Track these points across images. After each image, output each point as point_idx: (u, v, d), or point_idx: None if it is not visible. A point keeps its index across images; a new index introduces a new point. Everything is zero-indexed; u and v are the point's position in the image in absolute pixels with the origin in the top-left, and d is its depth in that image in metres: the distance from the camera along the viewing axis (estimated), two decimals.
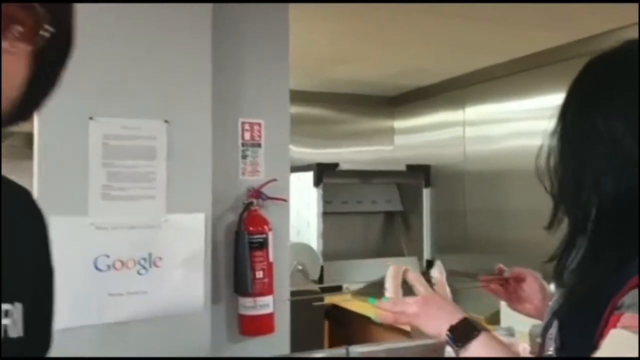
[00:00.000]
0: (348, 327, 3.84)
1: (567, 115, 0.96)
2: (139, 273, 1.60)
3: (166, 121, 1.66)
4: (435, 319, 1.06)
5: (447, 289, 1.18)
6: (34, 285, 0.73)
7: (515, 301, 1.27)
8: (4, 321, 0.66)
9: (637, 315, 0.73)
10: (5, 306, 0.66)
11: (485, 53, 3.70)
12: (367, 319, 3.59)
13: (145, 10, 1.67)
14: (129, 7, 1.64)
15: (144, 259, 1.61)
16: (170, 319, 1.62)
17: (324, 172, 4.27)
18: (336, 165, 4.37)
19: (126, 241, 1.56)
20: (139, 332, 1.58)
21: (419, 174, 4.63)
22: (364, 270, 4.39)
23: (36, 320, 0.71)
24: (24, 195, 0.77)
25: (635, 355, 0.71)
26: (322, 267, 4.15)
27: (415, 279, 1.16)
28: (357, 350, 1.65)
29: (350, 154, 4.96)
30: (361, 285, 4.34)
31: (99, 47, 1.56)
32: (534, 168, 1.00)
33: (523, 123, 3.78)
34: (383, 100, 5.13)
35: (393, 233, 4.96)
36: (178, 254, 1.66)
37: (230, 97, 1.93)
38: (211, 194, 1.74)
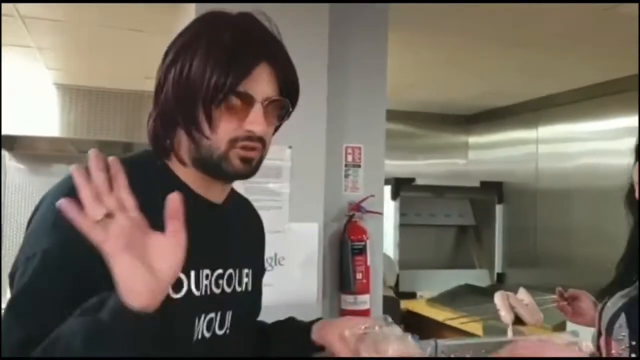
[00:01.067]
0: (421, 331, 4.09)
1: None
2: (266, 269, 1.97)
3: (290, 147, 2.04)
4: None
5: (537, 308, 1.49)
6: (259, 262, 1.22)
7: (574, 315, 1.60)
8: (245, 279, 1.10)
9: None
10: (245, 270, 1.11)
11: (556, 80, 3.92)
12: (439, 324, 3.87)
13: None
14: None
15: (271, 258, 1.98)
16: (290, 308, 1.96)
17: (401, 187, 4.57)
18: (412, 180, 4.67)
19: None
20: (266, 317, 1.95)
21: (492, 190, 4.86)
22: (437, 280, 4.66)
23: (257, 282, 1.17)
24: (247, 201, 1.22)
25: None
26: (397, 275, 4.45)
27: (516, 303, 1.47)
28: (444, 343, 1.95)
29: (425, 167, 5.24)
30: (435, 294, 4.63)
31: None
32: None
33: (595, 143, 3.96)
34: (458, 119, 5.39)
35: (464, 246, 5.19)
36: (297, 255, 2.03)
37: (336, 125, 2.28)
38: (323, 207, 2.11)
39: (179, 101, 0.97)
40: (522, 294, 1.52)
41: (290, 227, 2.03)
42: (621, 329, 1.24)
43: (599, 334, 1.36)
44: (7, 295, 0.94)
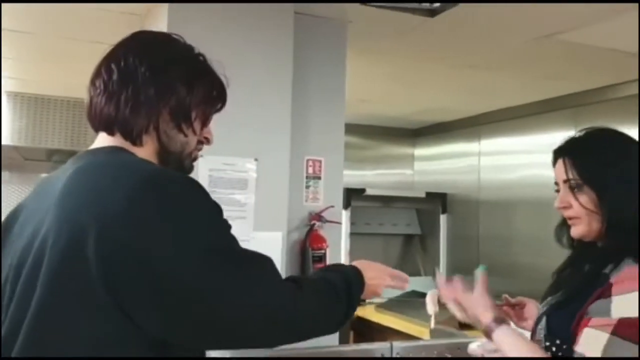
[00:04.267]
0: (371, 336, 4.23)
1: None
2: None
3: (256, 159, 2.14)
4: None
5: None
6: None
7: (520, 320, 1.74)
8: None
9: (600, 319, 1.21)
10: None
11: (499, 98, 4.15)
12: (388, 330, 4.02)
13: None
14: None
15: None
16: None
17: (352, 197, 4.72)
18: (363, 190, 4.82)
19: None
20: None
21: (437, 201, 5.07)
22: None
23: None
24: None
25: (602, 343, 1.18)
26: None
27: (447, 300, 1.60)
28: (400, 345, 2.09)
29: (373, 177, 5.43)
30: (383, 300, 4.81)
31: None
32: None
33: (534, 155, 4.18)
34: (405, 132, 5.60)
35: (411, 254, 5.38)
36: None
37: (298, 139, 2.39)
38: (287, 217, 2.22)
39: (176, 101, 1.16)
40: (480, 273, 1.63)
41: (255, 237, 2.12)
42: (542, 331, 1.39)
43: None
44: None
